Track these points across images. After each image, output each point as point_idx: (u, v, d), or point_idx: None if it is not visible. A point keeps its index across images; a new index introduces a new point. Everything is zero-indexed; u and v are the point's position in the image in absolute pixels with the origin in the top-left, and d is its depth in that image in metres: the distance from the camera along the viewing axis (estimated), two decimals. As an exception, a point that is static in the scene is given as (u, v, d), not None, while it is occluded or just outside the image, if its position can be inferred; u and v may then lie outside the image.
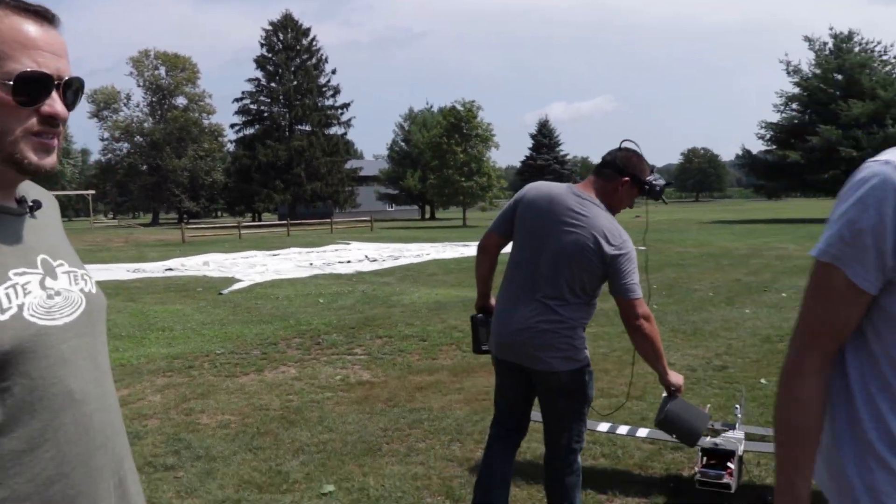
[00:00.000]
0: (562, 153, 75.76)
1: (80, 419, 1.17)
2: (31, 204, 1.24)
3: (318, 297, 11.29)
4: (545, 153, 73.84)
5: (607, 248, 2.81)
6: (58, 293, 1.19)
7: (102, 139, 64.17)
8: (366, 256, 18.94)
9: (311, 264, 17.01)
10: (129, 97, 64.53)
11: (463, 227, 40.24)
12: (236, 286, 12.92)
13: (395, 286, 12.59)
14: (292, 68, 55.89)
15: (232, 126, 57.46)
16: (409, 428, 4.87)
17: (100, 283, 1.33)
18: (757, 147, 55.94)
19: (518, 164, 79.58)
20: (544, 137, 75.01)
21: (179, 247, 26.14)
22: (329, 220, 39.78)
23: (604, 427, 4.09)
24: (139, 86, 63.58)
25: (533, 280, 2.92)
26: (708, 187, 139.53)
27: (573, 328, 2.89)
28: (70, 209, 77.47)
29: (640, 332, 2.86)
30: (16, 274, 1.13)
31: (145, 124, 63.45)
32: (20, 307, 1.11)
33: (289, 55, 55.74)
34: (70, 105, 1.19)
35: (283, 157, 52.90)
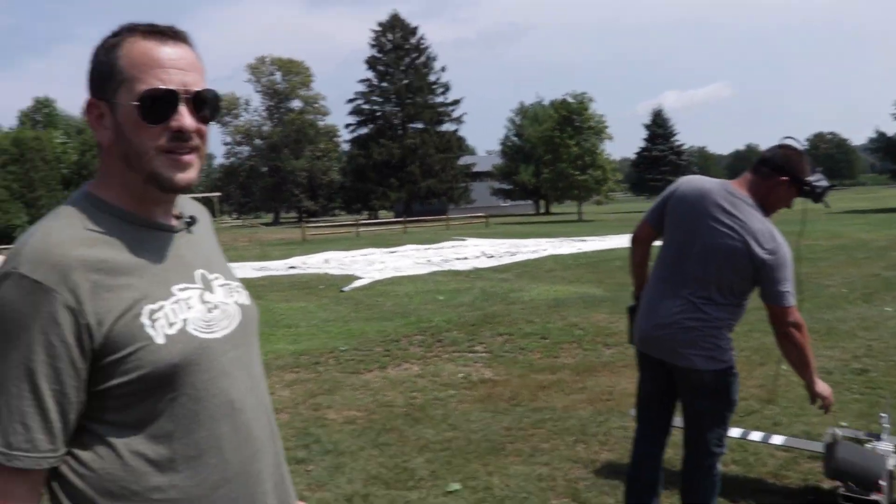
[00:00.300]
0: (677, 143, 73.43)
1: (240, 427, 1.23)
2: (188, 220, 1.31)
3: (437, 294, 11.42)
4: (660, 144, 71.74)
5: (759, 252, 2.70)
6: (216, 307, 1.25)
7: (225, 143, 67.60)
8: (482, 253, 18.97)
9: (429, 261, 17.20)
10: (248, 102, 68.31)
11: (579, 222, 39.72)
12: (357, 283, 13.23)
13: (514, 283, 12.56)
14: (402, 67, 56.80)
15: (346, 126, 59.11)
16: (533, 427, 4.86)
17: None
18: (893, 129, 51.99)
19: (633, 156, 77.76)
20: (658, 128, 72.85)
21: (300, 245, 27.08)
22: (444, 216, 40.12)
23: (736, 433, 3.93)
24: (257, 91, 66.69)
25: (681, 276, 2.86)
26: (837, 174, 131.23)
27: (718, 328, 2.82)
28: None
29: (789, 340, 2.78)
30: (179, 290, 1.20)
31: (264, 128, 66.32)
32: (185, 322, 1.18)
33: (398, 54, 56.69)
34: (208, 118, 1.22)
35: (396, 156, 53.86)
